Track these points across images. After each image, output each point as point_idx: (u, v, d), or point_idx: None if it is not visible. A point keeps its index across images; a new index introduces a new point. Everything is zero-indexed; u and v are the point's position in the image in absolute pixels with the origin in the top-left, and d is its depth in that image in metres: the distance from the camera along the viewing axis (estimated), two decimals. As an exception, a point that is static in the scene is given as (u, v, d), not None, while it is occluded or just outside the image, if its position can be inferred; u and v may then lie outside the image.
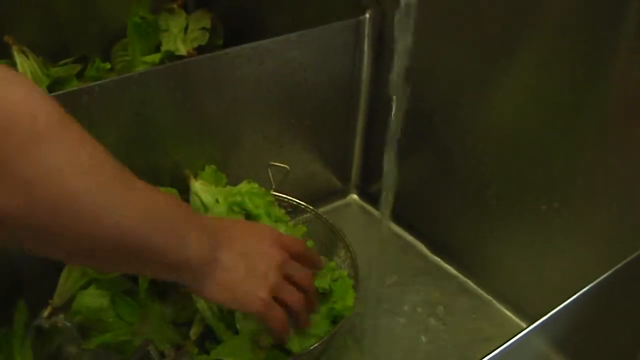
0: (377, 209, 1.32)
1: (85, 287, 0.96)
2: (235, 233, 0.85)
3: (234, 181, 1.10)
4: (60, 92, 1.00)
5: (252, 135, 1.17)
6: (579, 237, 1.02)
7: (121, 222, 0.67)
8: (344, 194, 1.37)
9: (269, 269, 0.84)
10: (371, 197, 1.35)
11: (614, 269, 0.76)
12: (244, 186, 1.07)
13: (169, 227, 0.73)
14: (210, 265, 0.79)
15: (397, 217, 1.22)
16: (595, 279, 0.75)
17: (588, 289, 0.73)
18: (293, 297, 0.86)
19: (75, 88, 1.00)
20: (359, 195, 1.38)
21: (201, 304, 0.93)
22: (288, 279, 0.87)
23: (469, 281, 1.19)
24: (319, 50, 1.18)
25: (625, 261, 0.78)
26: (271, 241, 0.87)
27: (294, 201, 1.14)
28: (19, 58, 1.38)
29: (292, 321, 0.88)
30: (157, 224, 0.71)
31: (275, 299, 0.84)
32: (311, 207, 1.13)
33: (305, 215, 1.14)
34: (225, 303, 0.83)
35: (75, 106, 0.98)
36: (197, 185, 1.06)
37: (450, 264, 1.22)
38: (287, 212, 1.12)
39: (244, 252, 0.83)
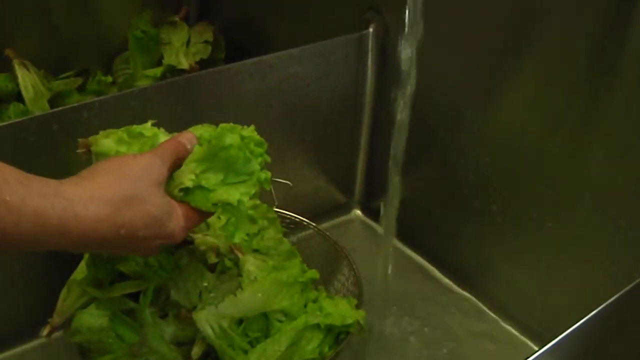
0: (380, 224, 1.30)
1: (84, 306, 0.95)
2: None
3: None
4: (61, 108, 1.00)
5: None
6: (586, 255, 1.01)
7: None
8: (347, 209, 1.36)
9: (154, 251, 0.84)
10: (375, 213, 1.34)
11: (624, 290, 0.74)
12: None
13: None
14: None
15: (401, 233, 1.20)
16: (603, 298, 0.74)
17: (598, 311, 0.72)
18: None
19: (76, 104, 0.99)
20: (363, 210, 1.37)
21: (202, 324, 0.92)
22: None
23: (474, 298, 1.18)
24: (322, 64, 1.17)
25: (635, 282, 0.76)
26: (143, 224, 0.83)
27: (297, 218, 1.13)
28: (20, 71, 1.38)
29: None
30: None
31: None
32: (314, 224, 1.12)
33: (308, 232, 1.13)
34: None
35: (76, 122, 0.98)
36: None
37: (455, 282, 1.21)
38: (290, 229, 1.11)
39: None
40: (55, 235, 0.71)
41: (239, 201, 0.83)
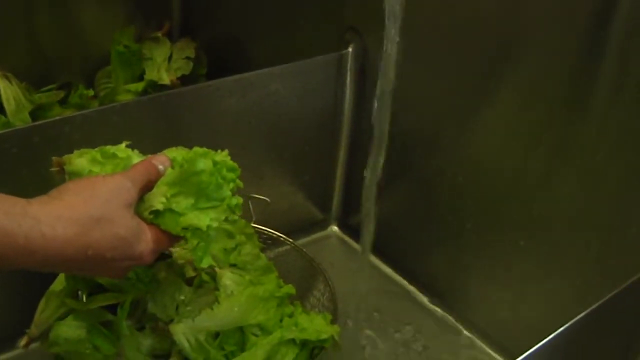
0: (358, 241, 1.32)
1: (62, 317, 0.95)
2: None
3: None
4: (42, 121, 1.01)
5: (235, 164, 1.17)
6: (557, 274, 1.03)
7: None
8: (324, 225, 1.38)
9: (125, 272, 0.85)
10: (352, 229, 1.36)
11: (592, 308, 0.76)
12: None
13: None
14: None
15: (377, 249, 1.21)
16: (573, 316, 0.76)
17: (564, 329, 0.74)
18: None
19: (57, 118, 1.00)
20: (340, 227, 1.38)
21: (179, 337, 0.93)
22: None
23: (448, 316, 1.19)
24: (301, 83, 1.19)
25: (602, 301, 0.78)
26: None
27: (274, 233, 1.14)
28: (2, 83, 1.38)
29: None
30: None
31: None
32: (290, 240, 1.14)
33: (284, 248, 1.14)
34: None
35: (57, 136, 0.99)
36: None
37: (430, 298, 1.22)
38: (267, 244, 1.13)
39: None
40: (22, 254, 0.71)
41: (209, 226, 0.84)
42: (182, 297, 0.97)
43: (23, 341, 0.96)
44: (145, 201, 0.84)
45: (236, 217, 1.04)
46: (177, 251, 1.01)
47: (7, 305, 1.04)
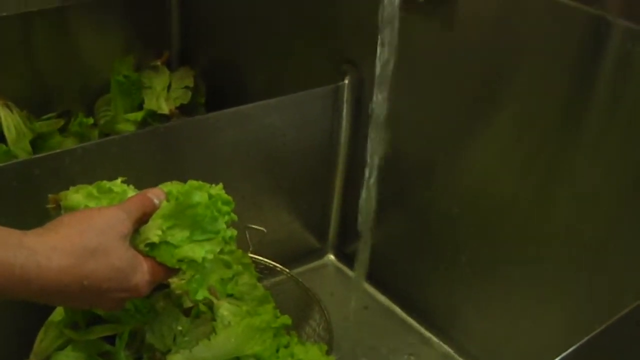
0: (354, 270, 1.33)
1: (61, 347, 0.96)
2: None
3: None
4: (43, 154, 1.02)
5: (230, 196, 1.18)
6: (552, 303, 1.03)
7: None
8: (321, 254, 1.39)
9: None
10: (348, 258, 1.37)
11: (586, 338, 0.77)
12: None
13: None
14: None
15: (373, 278, 1.23)
16: (568, 346, 0.77)
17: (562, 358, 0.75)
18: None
19: (58, 150, 1.01)
20: (336, 255, 1.39)
21: (177, 367, 0.94)
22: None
23: (444, 345, 1.20)
24: (299, 115, 1.20)
25: (595, 332, 0.79)
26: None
27: (270, 263, 1.16)
28: (3, 112, 1.40)
29: None
30: None
31: None
32: (287, 270, 1.15)
33: (281, 277, 1.15)
34: None
35: (57, 168, 1.00)
36: None
37: (427, 328, 1.23)
38: (264, 274, 1.14)
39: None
40: (18, 284, 0.72)
41: (204, 258, 0.85)
42: (180, 328, 0.98)
43: (22, 370, 0.97)
44: (141, 234, 0.85)
45: (233, 248, 1.07)
46: (174, 281, 1.02)
47: (6, 334, 1.04)
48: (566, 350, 0.76)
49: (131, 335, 0.96)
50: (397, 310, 1.26)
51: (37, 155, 1.03)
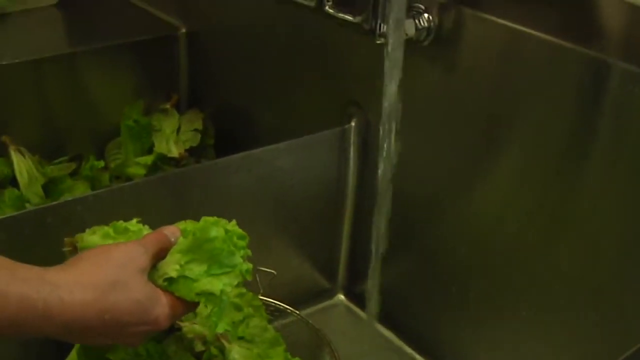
0: (364, 309, 1.33)
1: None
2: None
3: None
4: (55, 202, 1.04)
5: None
6: (560, 342, 1.04)
7: None
8: (330, 294, 1.39)
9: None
10: (358, 298, 1.37)
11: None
12: None
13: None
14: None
15: (384, 318, 1.23)
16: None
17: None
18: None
19: (70, 198, 1.03)
20: (346, 295, 1.39)
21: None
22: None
23: (454, 384, 1.20)
24: (306, 157, 1.21)
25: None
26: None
27: (280, 305, 1.16)
28: (15, 157, 1.42)
29: None
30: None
31: None
32: (297, 312, 1.15)
33: (291, 319, 1.16)
34: None
35: (69, 215, 1.01)
36: None
37: (436, 367, 1.23)
38: (274, 316, 1.15)
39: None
40: (41, 320, 0.73)
41: (222, 291, 0.86)
42: (192, 373, 0.99)
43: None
44: (159, 269, 0.87)
45: (243, 290, 1.08)
46: (186, 325, 1.03)
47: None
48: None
49: (144, 380, 0.97)
50: (408, 349, 1.26)
51: (49, 204, 1.04)
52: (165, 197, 1.09)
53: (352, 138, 1.24)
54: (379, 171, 1.07)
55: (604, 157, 0.93)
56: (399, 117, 1.03)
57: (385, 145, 1.05)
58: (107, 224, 0.94)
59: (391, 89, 1.01)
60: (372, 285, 1.14)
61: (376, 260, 1.13)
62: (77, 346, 1.00)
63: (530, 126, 1.00)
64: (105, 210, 1.03)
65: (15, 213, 1.01)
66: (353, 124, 1.24)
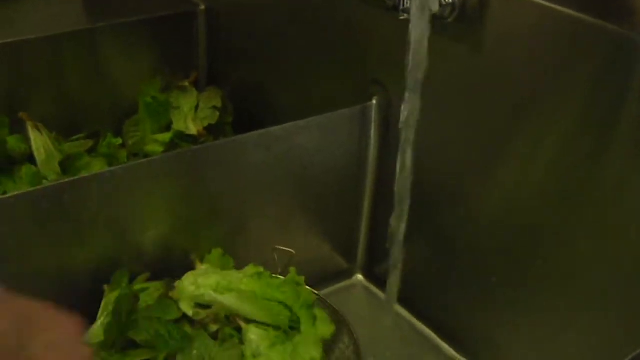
0: (382, 290, 1.32)
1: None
2: None
3: (240, 264, 1.12)
4: (72, 178, 1.03)
5: (258, 219, 1.18)
6: (583, 328, 1.02)
7: None
8: (349, 274, 1.38)
9: None
10: (377, 278, 1.36)
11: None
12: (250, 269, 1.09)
13: None
14: None
15: (403, 301, 1.21)
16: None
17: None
18: None
19: (87, 175, 1.02)
20: (365, 276, 1.38)
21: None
22: None
23: (473, 367, 1.19)
24: (326, 136, 1.20)
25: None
26: None
27: (299, 285, 1.15)
28: (33, 134, 1.41)
29: None
30: None
31: None
32: (316, 292, 1.14)
33: (311, 297, 1.15)
34: None
35: (86, 192, 1.01)
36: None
37: (456, 350, 1.21)
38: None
39: None
40: None
41: None
42: (209, 352, 0.98)
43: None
44: None
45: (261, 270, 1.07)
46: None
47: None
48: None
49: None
50: (428, 332, 1.25)
51: (66, 180, 1.03)
52: (183, 175, 1.07)
53: (374, 116, 1.22)
54: (400, 151, 1.05)
55: (631, 138, 0.91)
56: (421, 96, 1.01)
57: (407, 124, 1.03)
58: (123, 200, 0.94)
59: (414, 66, 0.99)
60: (392, 269, 1.12)
61: (397, 242, 1.11)
62: (101, 322, 0.99)
63: (556, 106, 0.97)
64: (121, 187, 1.02)
65: (32, 189, 1.00)
66: (374, 102, 1.22)
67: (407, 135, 1.03)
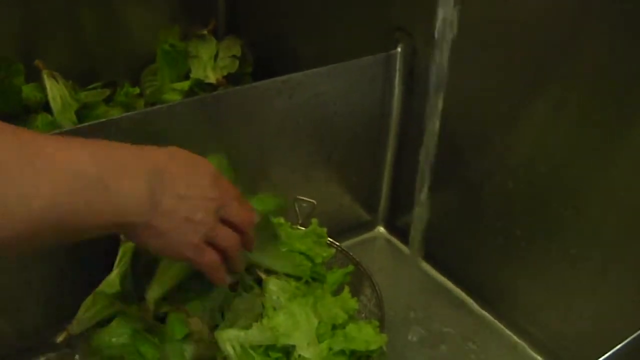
0: (404, 242, 1.30)
1: (105, 320, 0.95)
2: (178, 170, 0.81)
3: (260, 214, 1.09)
4: (89, 123, 1.00)
5: (279, 168, 1.16)
6: (610, 283, 1.00)
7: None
8: (371, 226, 1.36)
9: (207, 214, 0.81)
10: (398, 230, 1.34)
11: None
12: None
13: (100, 190, 0.73)
14: (148, 213, 0.76)
15: (426, 253, 1.19)
16: (625, 328, 0.73)
17: (623, 345, 0.71)
18: (228, 242, 0.85)
19: (104, 120, 0.99)
20: (386, 228, 1.36)
21: (224, 343, 0.92)
22: (225, 221, 0.84)
23: (498, 322, 1.16)
24: (349, 84, 1.17)
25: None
26: (212, 179, 0.84)
27: (320, 236, 1.13)
28: (48, 82, 1.39)
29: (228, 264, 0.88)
30: (84, 193, 0.71)
31: (211, 242, 0.83)
32: (337, 243, 1.12)
33: (331, 251, 1.12)
34: (155, 250, 0.82)
35: (104, 137, 0.98)
36: None
37: (479, 303, 1.20)
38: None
39: (184, 195, 0.79)
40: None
41: None
42: (227, 304, 0.96)
43: (61, 337, 0.93)
44: None
45: (282, 221, 1.05)
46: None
47: (45, 299, 1.03)
48: (625, 331, 0.72)
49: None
50: (450, 285, 1.24)
51: (83, 125, 1.01)
52: (202, 122, 1.04)
53: (398, 65, 1.19)
54: (426, 100, 1.02)
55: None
56: (451, 43, 0.97)
57: (434, 72, 1.00)
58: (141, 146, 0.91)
59: (443, 9, 0.95)
60: (417, 221, 1.10)
61: (422, 193, 1.09)
62: (117, 271, 0.97)
63: (592, 57, 0.94)
64: (139, 133, 0.99)
65: (49, 133, 0.97)
66: (399, 49, 1.18)
67: (435, 84, 1.00)
